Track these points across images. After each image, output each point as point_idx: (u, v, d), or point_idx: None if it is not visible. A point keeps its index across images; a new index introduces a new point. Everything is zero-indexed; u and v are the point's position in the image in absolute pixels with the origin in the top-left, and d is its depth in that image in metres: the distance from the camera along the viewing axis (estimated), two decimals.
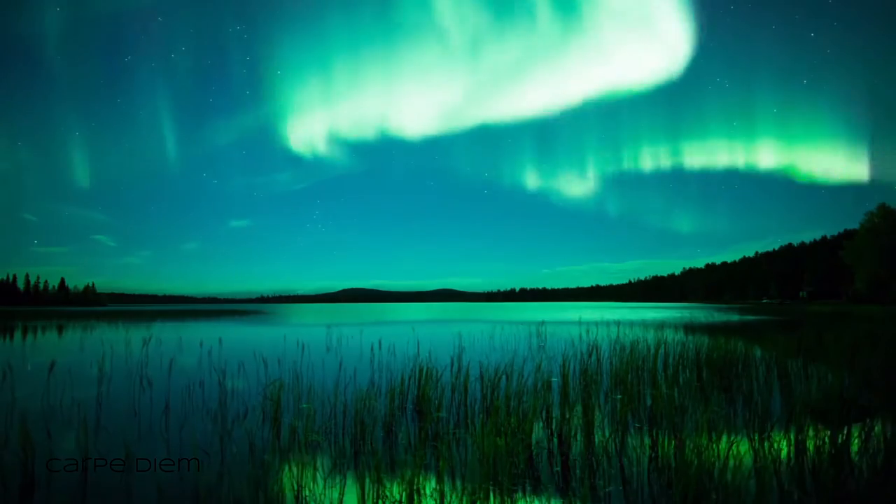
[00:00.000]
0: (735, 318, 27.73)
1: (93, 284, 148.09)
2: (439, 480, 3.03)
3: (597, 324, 21.23)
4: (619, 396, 5.23)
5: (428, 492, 2.94)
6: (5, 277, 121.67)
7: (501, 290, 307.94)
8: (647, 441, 4.03)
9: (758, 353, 8.87)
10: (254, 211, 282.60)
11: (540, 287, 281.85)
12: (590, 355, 7.84)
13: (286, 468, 3.26)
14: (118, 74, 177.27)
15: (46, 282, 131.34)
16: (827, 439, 3.66)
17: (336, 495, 3.01)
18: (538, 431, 4.27)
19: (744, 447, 3.80)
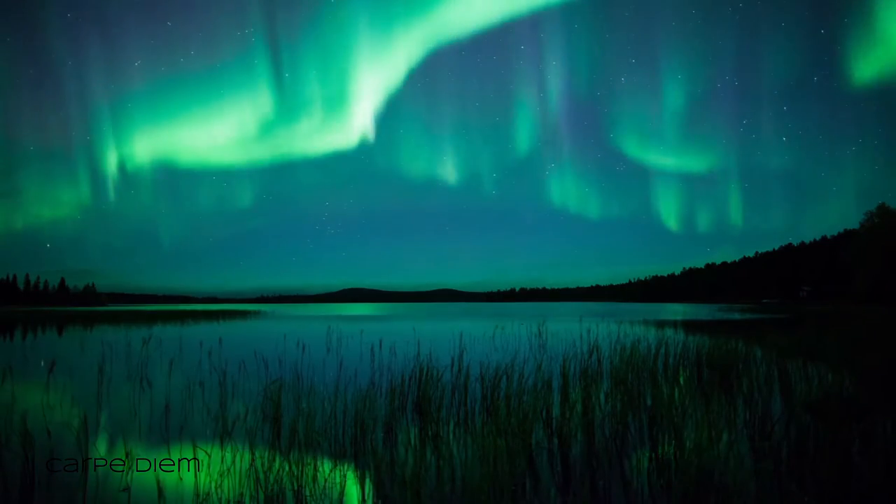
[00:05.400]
0: (735, 318, 27.75)
1: (93, 284, 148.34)
2: (439, 480, 3.03)
3: (597, 323, 21.24)
4: (619, 396, 5.23)
5: (428, 492, 2.94)
6: (5, 277, 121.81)
7: (501, 290, 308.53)
8: (647, 441, 4.03)
9: (758, 353, 8.87)
10: (265, 212, 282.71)
11: (540, 287, 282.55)
12: (590, 355, 7.84)
13: (286, 468, 3.26)
14: (124, 73, 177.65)
15: (46, 282, 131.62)
16: (827, 439, 3.66)
17: (336, 495, 3.01)
18: (538, 431, 4.27)
19: (744, 447, 3.80)
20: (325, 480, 3.20)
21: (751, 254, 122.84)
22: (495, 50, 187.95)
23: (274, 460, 3.43)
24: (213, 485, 3.09)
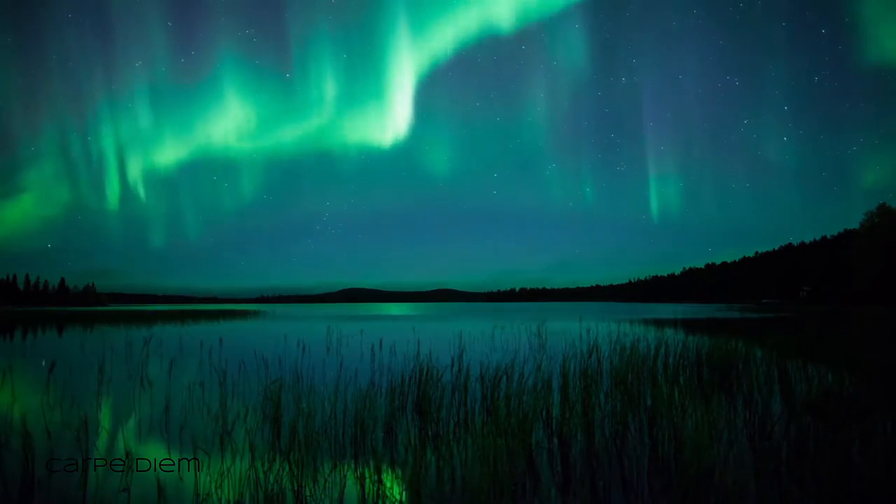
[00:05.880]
0: (735, 318, 27.74)
1: (93, 284, 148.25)
2: (439, 480, 3.03)
3: (597, 323, 21.24)
4: (619, 396, 5.23)
5: (428, 492, 2.94)
6: (5, 277, 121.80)
7: (502, 290, 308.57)
8: (647, 441, 4.03)
9: (758, 353, 8.86)
10: (265, 211, 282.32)
11: (540, 287, 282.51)
12: (590, 355, 7.83)
13: (286, 468, 3.26)
14: (124, 73, 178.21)
15: (46, 282, 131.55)
16: (827, 439, 3.66)
17: (336, 495, 3.01)
18: (538, 431, 4.27)
19: (744, 447, 3.80)
20: (325, 480, 3.20)
21: (751, 254, 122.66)
22: (497, 51, 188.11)
23: (274, 460, 3.43)
24: (213, 485, 3.09)
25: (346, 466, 3.46)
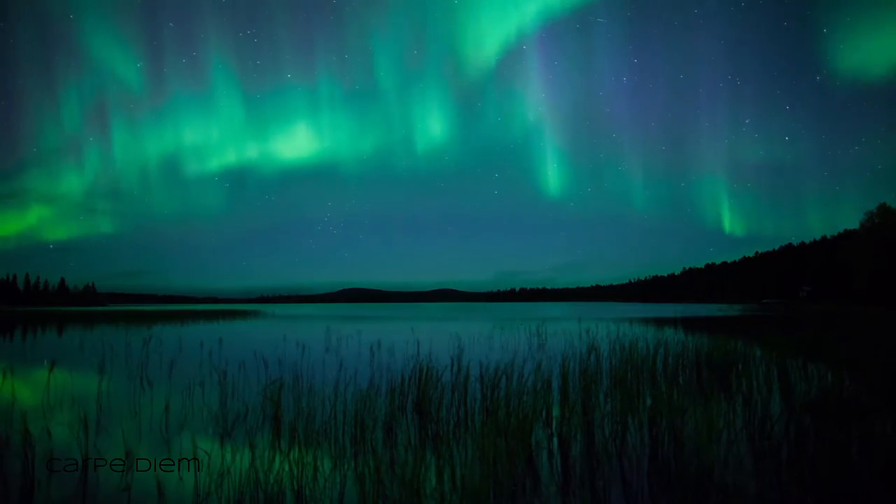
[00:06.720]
0: (735, 317, 27.73)
1: (93, 284, 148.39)
2: (439, 480, 3.03)
3: (597, 323, 21.23)
4: (618, 396, 5.23)
5: (428, 492, 2.94)
6: (5, 277, 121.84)
7: (502, 290, 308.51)
8: (647, 441, 4.03)
9: (758, 353, 8.86)
10: (265, 212, 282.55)
11: (540, 287, 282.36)
12: (589, 355, 7.84)
13: (286, 468, 3.26)
14: (124, 73, 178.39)
15: (46, 281, 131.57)
16: (827, 439, 3.66)
17: (336, 495, 3.01)
18: (538, 431, 4.27)
19: (744, 447, 3.80)
20: (325, 480, 3.20)
21: (751, 254, 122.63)
22: (495, 52, 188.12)
23: (274, 460, 3.43)
24: (213, 485, 3.09)
25: (346, 466, 3.46)
